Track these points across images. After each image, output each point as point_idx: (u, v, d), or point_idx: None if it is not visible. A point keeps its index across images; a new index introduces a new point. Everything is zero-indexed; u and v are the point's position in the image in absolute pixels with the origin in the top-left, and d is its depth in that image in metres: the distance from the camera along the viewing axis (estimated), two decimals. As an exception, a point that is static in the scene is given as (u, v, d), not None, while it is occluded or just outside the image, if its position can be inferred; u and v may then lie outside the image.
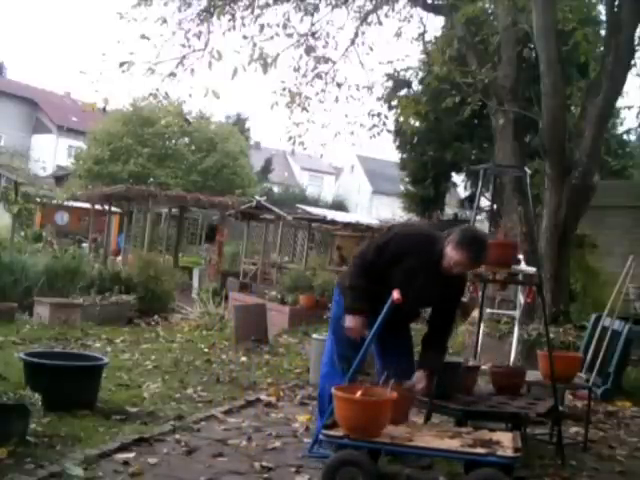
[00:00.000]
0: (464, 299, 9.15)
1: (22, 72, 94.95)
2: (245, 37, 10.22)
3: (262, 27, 10.38)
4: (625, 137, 16.49)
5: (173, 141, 30.25)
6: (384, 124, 11.59)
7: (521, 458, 3.76)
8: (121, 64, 8.87)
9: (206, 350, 8.70)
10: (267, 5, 10.42)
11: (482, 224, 9.72)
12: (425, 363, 4.17)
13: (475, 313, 7.65)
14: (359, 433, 3.72)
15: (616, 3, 8.51)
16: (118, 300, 10.93)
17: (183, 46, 10.07)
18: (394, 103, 12.64)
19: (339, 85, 11.19)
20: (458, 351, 8.37)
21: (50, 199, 21.78)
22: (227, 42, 18.59)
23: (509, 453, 3.61)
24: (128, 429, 4.78)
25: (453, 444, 3.75)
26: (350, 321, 4.08)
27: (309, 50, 10.84)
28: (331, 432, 3.83)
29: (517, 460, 3.66)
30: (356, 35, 11.02)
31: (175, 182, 26.90)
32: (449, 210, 19.38)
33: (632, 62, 8.78)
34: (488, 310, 6.94)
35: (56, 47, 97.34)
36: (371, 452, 3.97)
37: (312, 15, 10.66)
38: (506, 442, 3.75)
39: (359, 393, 3.81)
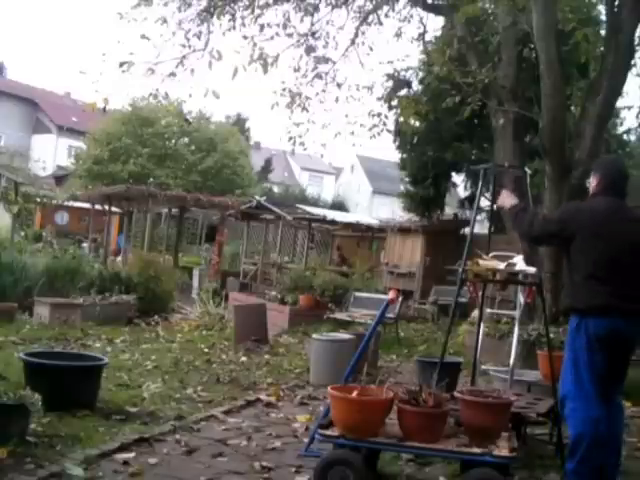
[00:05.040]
0: (464, 299, 9.18)
1: (22, 72, 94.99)
2: (245, 37, 10.23)
3: (262, 27, 10.38)
4: (625, 137, 16.46)
5: (173, 141, 30.22)
6: (384, 124, 11.57)
7: (520, 458, 3.76)
8: (121, 64, 8.86)
9: (206, 350, 8.70)
10: (267, 5, 10.41)
11: (482, 224, 9.73)
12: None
13: (475, 313, 7.65)
14: (355, 433, 3.73)
15: (616, 3, 8.51)
16: (118, 300, 10.92)
17: (183, 46, 10.08)
18: (394, 103, 12.62)
19: (339, 85, 11.19)
20: (458, 351, 8.38)
21: (50, 199, 21.77)
22: (227, 42, 18.62)
23: (505, 453, 3.61)
24: (128, 429, 4.79)
25: (449, 444, 3.75)
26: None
27: (309, 50, 10.84)
28: (327, 432, 3.83)
29: (513, 460, 3.66)
30: (356, 35, 11.01)
31: (175, 182, 26.89)
32: (449, 210, 19.34)
33: (632, 62, 8.78)
34: (488, 310, 6.93)
35: (56, 47, 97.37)
36: (370, 451, 3.98)
37: (312, 15, 10.65)
38: (502, 442, 3.76)
39: (355, 393, 3.82)
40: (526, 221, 4.15)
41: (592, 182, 4.13)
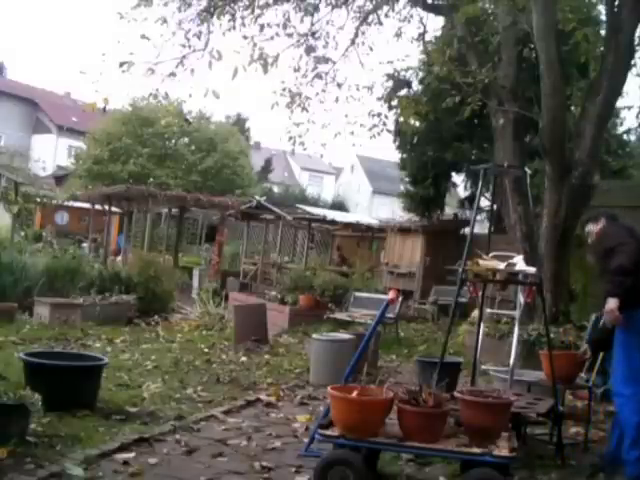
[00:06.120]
0: (464, 299, 9.21)
1: (22, 72, 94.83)
2: (245, 37, 10.24)
3: (262, 27, 10.39)
4: (625, 137, 16.45)
5: (173, 141, 30.22)
6: (384, 124, 11.58)
7: (520, 458, 3.76)
8: (121, 64, 8.86)
9: (206, 350, 8.70)
10: (267, 5, 10.42)
11: (482, 224, 9.73)
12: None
13: (475, 313, 7.65)
14: (355, 433, 3.72)
15: (616, 3, 8.51)
16: (118, 300, 10.92)
17: (183, 46, 10.08)
18: (394, 103, 12.62)
19: (339, 85, 11.20)
20: (458, 351, 8.38)
21: (50, 199, 21.77)
22: (227, 42, 18.62)
23: (505, 453, 3.61)
24: (128, 429, 4.79)
25: (449, 444, 3.75)
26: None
27: (309, 50, 10.85)
28: (327, 432, 3.83)
29: (513, 460, 3.66)
30: (356, 35, 11.02)
31: (175, 182, 26.88)
32: (449, 210, 19.34)
33: (632, 62, 8.78)
34: (488, 310, 6.93)
35: (56, 47, 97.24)
36: (370, 451, 3.98)
37: (312, 15, 10.66)
38: (502, 442, 3.76)
39: (355, 393, 3.81)
40: (619, 265, 4.14)
41: (597, 226, 4.65)
